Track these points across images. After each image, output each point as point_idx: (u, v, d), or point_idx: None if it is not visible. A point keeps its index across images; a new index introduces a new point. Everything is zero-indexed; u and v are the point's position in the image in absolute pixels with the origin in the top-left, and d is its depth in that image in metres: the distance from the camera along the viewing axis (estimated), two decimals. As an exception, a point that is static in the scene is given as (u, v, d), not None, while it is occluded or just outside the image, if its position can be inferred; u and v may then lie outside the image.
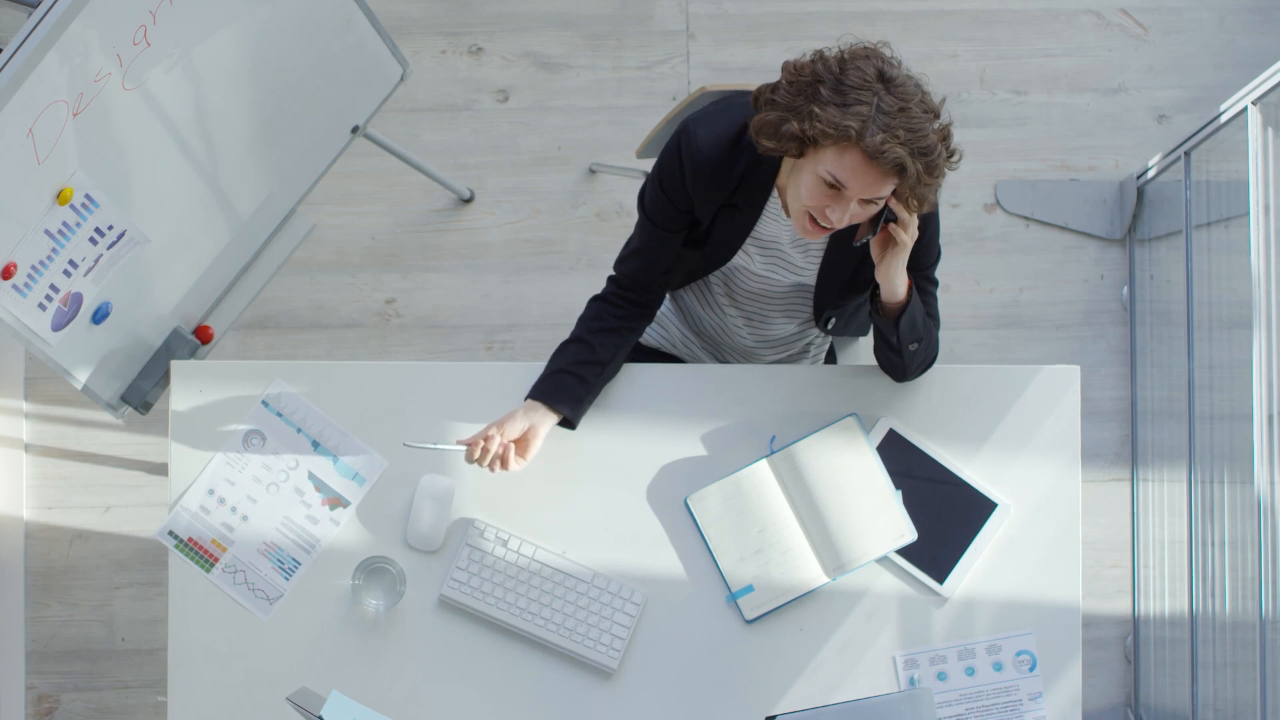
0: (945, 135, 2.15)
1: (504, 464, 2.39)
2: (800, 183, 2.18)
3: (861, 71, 2.10)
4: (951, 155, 2.16)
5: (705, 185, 2.31)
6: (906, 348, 2.38)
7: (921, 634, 2.47)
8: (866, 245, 2.31)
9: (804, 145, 2.13)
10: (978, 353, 3.41)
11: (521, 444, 2.41)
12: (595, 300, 2.48)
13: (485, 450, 2.37)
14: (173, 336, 2.65)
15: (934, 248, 2.38)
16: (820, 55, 2.15)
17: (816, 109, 2.10)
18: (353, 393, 2.52)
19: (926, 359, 2.44)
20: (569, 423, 2.45)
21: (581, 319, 2.47)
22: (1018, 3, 3.50)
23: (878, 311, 2.35)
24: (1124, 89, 3.49)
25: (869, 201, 2.16)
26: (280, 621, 2.47)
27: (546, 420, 2.42)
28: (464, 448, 2.39)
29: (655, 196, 2.36)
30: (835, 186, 2.14)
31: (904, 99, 2.09)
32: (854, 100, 2.09)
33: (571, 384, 2.43)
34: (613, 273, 2.49)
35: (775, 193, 2.33)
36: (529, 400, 2.44)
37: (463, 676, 2.46)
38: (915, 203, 2.17)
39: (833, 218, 2.17)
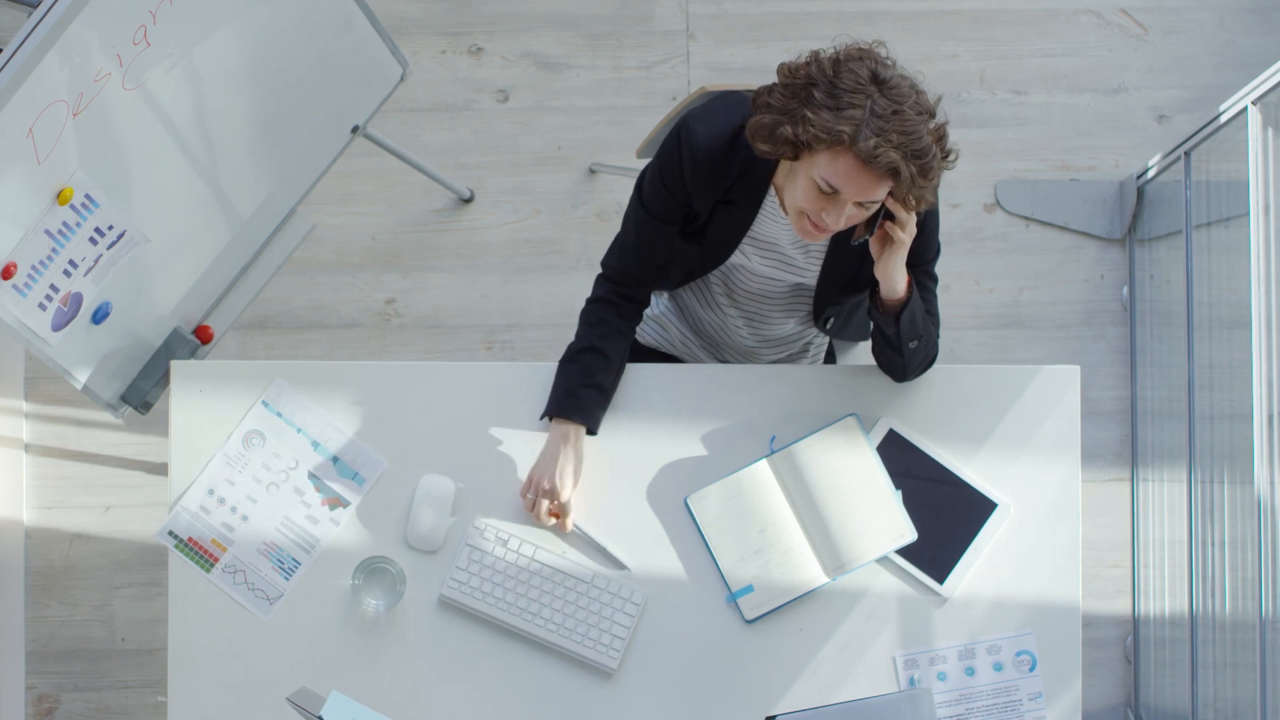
0: (940, 135, 2.14)
1: (561, 523, 2.46)
2: (796, 186, 2.18)
3: (855, 74, 2.09)
4: (947, 155, 2.16)
5: (703, 180, 2.31)
6: (906, 345, 2.38)
7: (921, 634, 2.47)
8: (867, 244, 2.31)
9: (798, 149, 2.13)
10: (978, 353, 3.41)
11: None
12: (594, 303, 2.48)
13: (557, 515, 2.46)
14: (173, 336, 2.65)
15: (933, 244, 2.38)
16: (815, 57, 2.15)
17: (809, 113, 2.10)
18: (353, 393, 2.52)
19: (926, 358, 2.44)
20: (590, 432, 2.48)
21: (587, 325, 2.47)
22: (1018, 3, 3.50)
23: (878, 308, 2.35)
24: (1124, 89, 3.49)
25: (865, 203, 2.16)
26: (280, 621, 2.47)
27: (581, 440, 2.46)
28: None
29: (654, 188, 2.36)
30: (830, 191, 2.13)
31: (898, 101, 2.08)
32: (847, 104, 2.08)
33: (595, 397, 2.45)
34: (602, 270, 2.49)
35: (772, 191, 2.33)
36: (561, 423, 2.45)
37: (463, 676, 2.46)
38: (912, 202, 2.17)
39: (828, 221, 2.17)
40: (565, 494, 2.43)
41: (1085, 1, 3.50)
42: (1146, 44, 3.50)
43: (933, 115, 2.13)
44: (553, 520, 2.46)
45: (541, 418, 2.49)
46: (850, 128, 2.07)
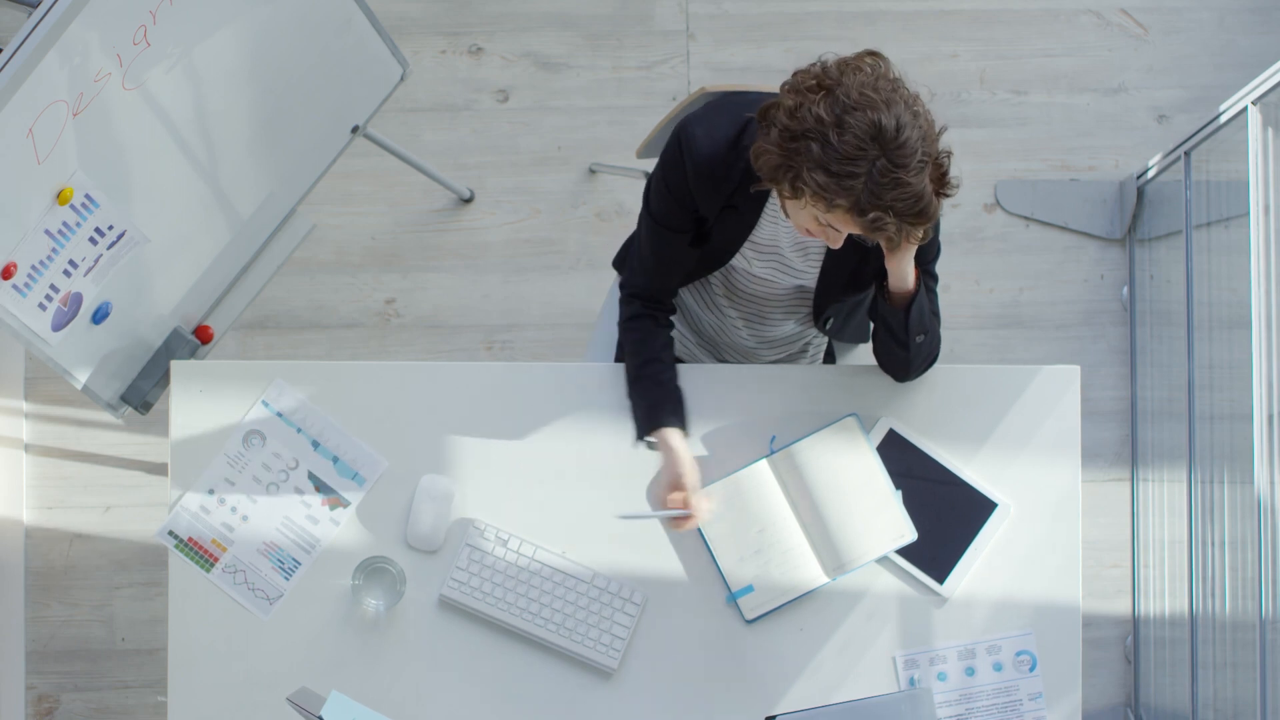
0: (942, 175, 2.10)
1: (699, 512, 2.42)
2: (798, 211, 2.16)
3: (855, 134, 2.01)
4: (946, 190, 2.11)
5: (706, 184, 2.30)
6: (914, 339, 2.37)
7: (921, 634, 2.47)
8: (865, 241, 2.30)
9: (796, 196, 2.11)
10: (978, 353, 3.41)
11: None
12: (631, 322, 2.45)
13: (695, 516, 2.40)
14: (173, 336, 2.65)
15: (934, 244, 2.37)
16: (818, 90, 2.06)
17: (806, 172, 2.04)
18: (353, 393, 2.52)
19: (930, 355, 2.44)
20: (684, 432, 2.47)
21: (634, 343, 2.45)
22: (1018, 3, 3.50)
23: (886, 300, 2.35)
24: (1124, 89, 3.49)
25: None
26: (280, 621, 2.47)
27: (685, 439, 2.44)
28: (673, 512, 2.41)
29: (663, 200, 2.34)
30: (829, 225, 2.13)
31: (900, 161, 2.01)
32: (846, 172, 2.02)
33: (674, 401, 2.44)
34: (628, 290, 2.46)
35: (774, 193, 2.32)
36: (660, 433, 2.42)
37: (463, 676, 2.46)
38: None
39: (829, 243, 2.17)
40: (687, 492, 2.41)
41: (1085, 1, 3.50)
42: (1146, 44, 3.50)
43: (935, 155, 2.08)
44: (696, 519, 2.42)
45: (638, 440, 2.46)
46: (848, 201, 2.03)
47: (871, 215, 2.04)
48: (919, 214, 2.06)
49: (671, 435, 2.42)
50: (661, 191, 2.33)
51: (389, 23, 3.35)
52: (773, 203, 2.33)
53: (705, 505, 2.40)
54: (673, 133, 2.31)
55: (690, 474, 2.39)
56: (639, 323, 2.46)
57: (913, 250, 2.25)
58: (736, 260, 2.42)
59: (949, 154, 2.11)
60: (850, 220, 2.08)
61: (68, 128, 2.22)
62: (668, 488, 2.40)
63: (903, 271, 2.28)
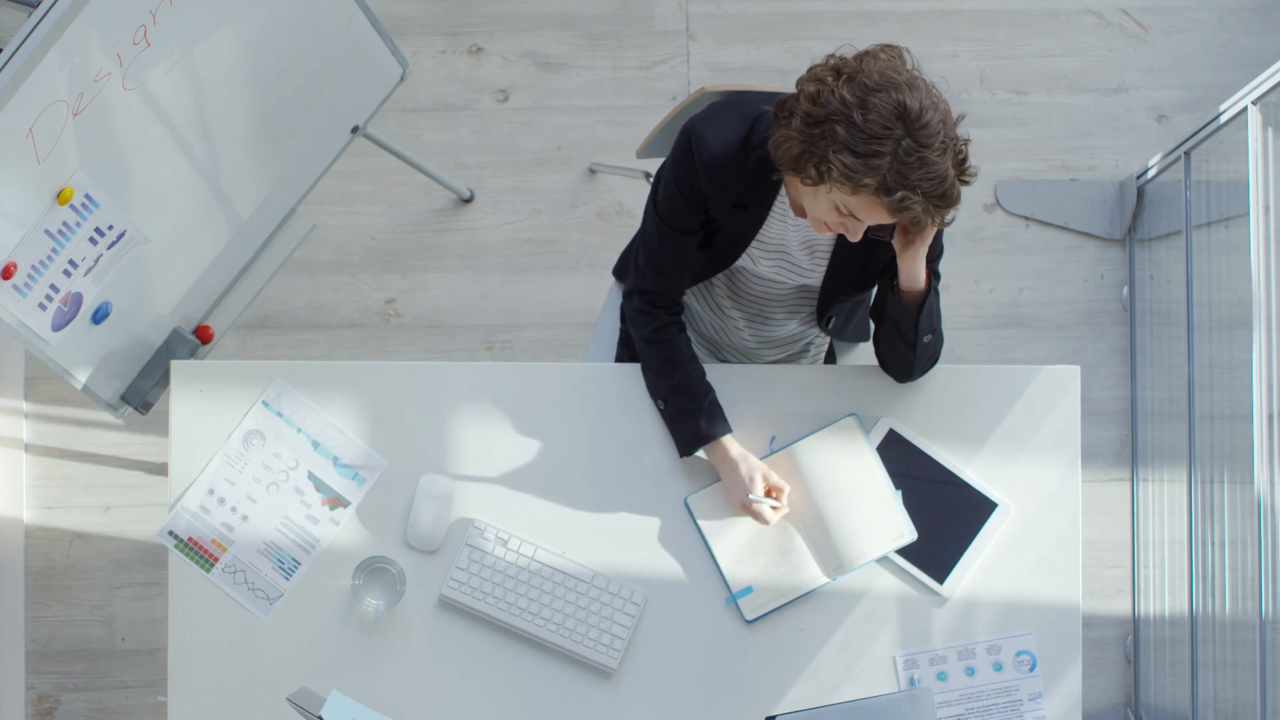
0: (962, 161, 2.11)
1: (777, 497, 2.44)
2: (817, 202, 2.16)
3: (880, 113, 2.03)
4: (965, 177, 2.13)
5: (717, 184, 2.29)
6: (921, 339, 2.38)
7: (921, 634, 2.47)
8: (870, 240, 2.30)
9: (821, 181, 2.12)
10: (978, 353, 3.41)
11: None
12: (661, 333, 2.45)
13: (776, 509, 2.43)
14: (173, 336, 2.65)
15: (938, 244, 2.37)
16: (839, 76, 2.09)
17: (832, 154, 2.06)
18: (353, 393, 2.52)
19: (934, 355, 2.44)
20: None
21: (666, 349, 2.45)
22: (1018, 3, 3.50)
23: (899, 300, 2.34)
24: (1124, 89, 3.49)
25: None
26: (280, 621, 2.47)
27: (735, 443, 2.45)
28: (773, 502, 2.44)
29: (673, 202, 2.33)
30: (850, 214, 2.13)
31: (924, 141, 2.04)
32: (872, 151, 2.03)
33: (712, 404, 2.45)
34: (644, 297, 2.45)
35: (783, 192, 2.32)
36: (711, 448, 2.44)
37: (463, 676, 2.46)
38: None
39: (847, 234, 2.17)
40: (774, 478, 2.43)
41: (1085, 1, 3.50)
42: (1146, 44, 3.50)
43: (955, 140, 2.09)
44: (776, 512, 2.43)
45: (683, 455, 2.47)
46: (875, 180, 2.05)
47: (898, 195, 2.05)
48: (943, 196, 2.07)
49: (730, 445, 2.43)
50: (672, 194, 2.33)
51: (389, 23, 3.35)
52: (781, 201, 2.33)
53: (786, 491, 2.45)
54: (680, 135, 2.31)
55: (769, 472, 2.42)
56: (664, 333, 2.45)
57: (926, 247, 2.26)
58: (742, 261, 2.41)
59: (967, 141, 2.13)
60: (876, 203, 2.08)
61: (68, 128, 2.22)
62: (749, 486, 2.41)
63: (915, 269, 2.28)
